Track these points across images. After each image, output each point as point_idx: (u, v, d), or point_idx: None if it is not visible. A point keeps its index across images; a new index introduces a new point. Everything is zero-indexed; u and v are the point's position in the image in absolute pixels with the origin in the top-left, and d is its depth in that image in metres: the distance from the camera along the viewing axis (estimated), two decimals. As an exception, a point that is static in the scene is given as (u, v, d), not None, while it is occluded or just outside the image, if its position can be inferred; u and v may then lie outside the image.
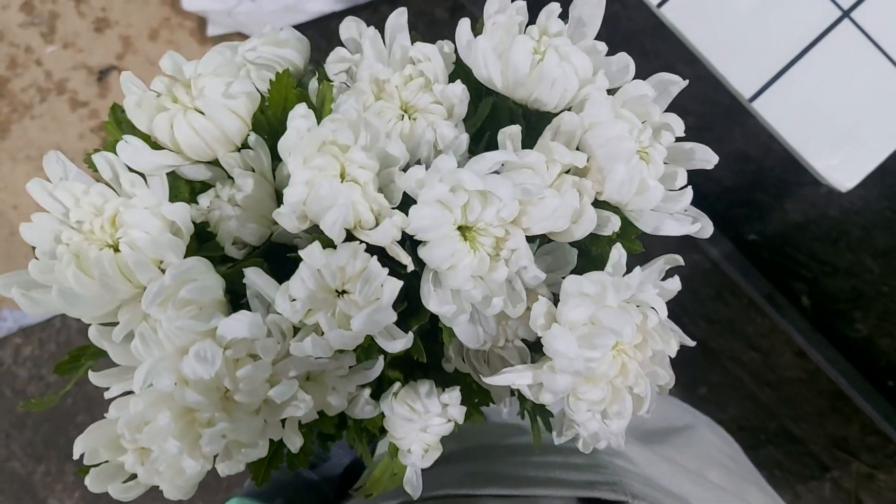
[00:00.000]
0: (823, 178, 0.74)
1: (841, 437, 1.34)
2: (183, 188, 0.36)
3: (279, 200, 0.37)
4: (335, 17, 1.35)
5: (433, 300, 0.32)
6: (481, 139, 0.39)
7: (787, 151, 0.76)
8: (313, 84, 0.38)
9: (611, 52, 0.37)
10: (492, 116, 0.40)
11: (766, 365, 1.35)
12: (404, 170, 0.34)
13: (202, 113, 0.33)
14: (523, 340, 0.39)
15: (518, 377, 0.33)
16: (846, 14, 0.73)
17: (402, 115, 0.36)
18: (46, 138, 1.36)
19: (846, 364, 1.24)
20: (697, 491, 0.55)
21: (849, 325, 1.32)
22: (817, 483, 1.33)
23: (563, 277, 0.38)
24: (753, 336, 1.36)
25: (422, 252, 0.32)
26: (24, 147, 1.36)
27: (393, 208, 0.33)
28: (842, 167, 0.73)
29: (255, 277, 0.32)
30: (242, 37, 1.37)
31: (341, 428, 0.42)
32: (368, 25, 0.40)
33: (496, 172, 0.33)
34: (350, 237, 0.33)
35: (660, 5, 0.73)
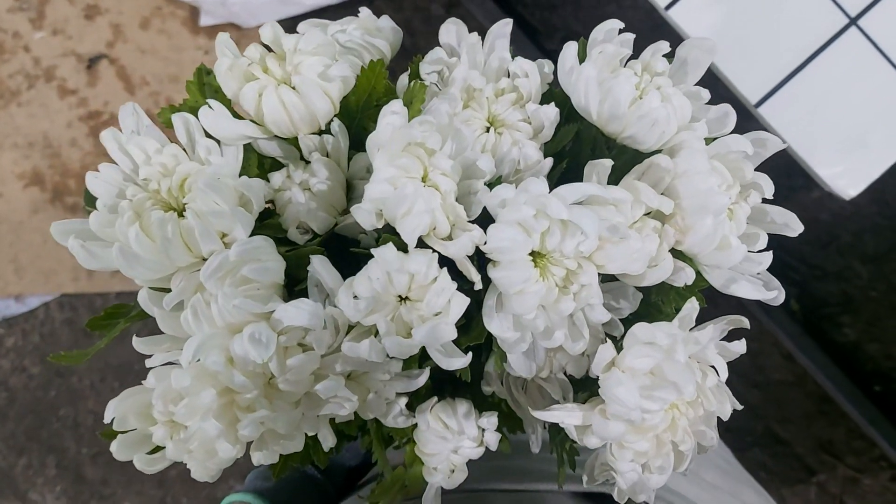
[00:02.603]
0: (828, 185, 0.73)
1: (827, 440, 1.33)
2: (253, 162, 0.35)
3: (349, 191, 0.36)
4: (330, 11, 1.31)
5: (495, 322, 0.32)
6: (558, 163, 0.38)
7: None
8: (402, 80, 0.37)
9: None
10: (573, 142, 0.39)
11: (754, 367, 1.34)
12: (487, 184, 0.33)
13: (294, 89, 0.32)
14: (567, 374, 0.38)
15: (568, 416, 0.32)
16: (853, 21, 0.73)
17: (488, 128, 0.35)
18: (34, 126, 1.33)
19: (833, 368, 1.23)
20: (694, 490, 0.55)
21: (837, 329, 1.31)
22: (803, 487, 1.33)
23: (620, 319, 0.38)
24: (742, 337, 1.35)
25: (492, 272, 0.32)
26: (10, 134, 1.33)
27: (469, 221, 0.32)
28: (846, 174, 0.73)
29: (320, 267, 0.31)
30: (236, 28, 1.33)
31: (362, 431, 0.41)
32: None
33: (578, 203, 0.32)
34: (420, 244, 0.32)
35: (668, 7, 0.73)
